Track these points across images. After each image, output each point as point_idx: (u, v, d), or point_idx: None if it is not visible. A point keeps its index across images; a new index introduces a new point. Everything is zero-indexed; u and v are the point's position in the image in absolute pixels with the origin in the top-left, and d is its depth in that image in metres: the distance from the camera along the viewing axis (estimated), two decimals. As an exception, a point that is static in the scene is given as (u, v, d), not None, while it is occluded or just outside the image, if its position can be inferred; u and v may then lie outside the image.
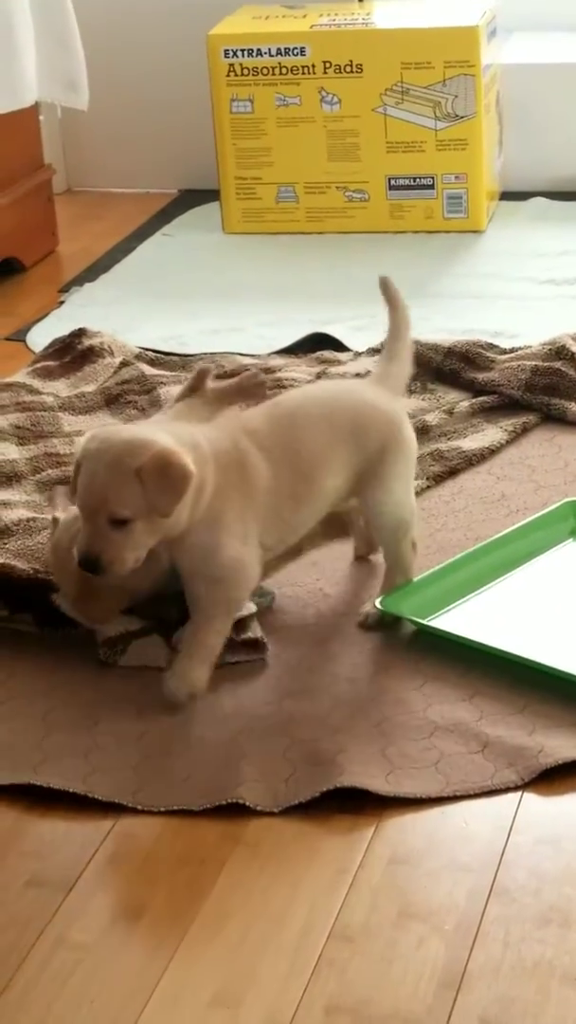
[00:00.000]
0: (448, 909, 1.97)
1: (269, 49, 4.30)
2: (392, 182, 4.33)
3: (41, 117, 4.76)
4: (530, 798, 2.16)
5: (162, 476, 2.26)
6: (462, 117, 4.25)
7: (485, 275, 4.04)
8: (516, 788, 2.17)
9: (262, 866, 2.06)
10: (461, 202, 4.31)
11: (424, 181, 4.32)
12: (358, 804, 2.15)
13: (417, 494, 2.92)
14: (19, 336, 3.82)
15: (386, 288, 2.73)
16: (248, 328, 3.77)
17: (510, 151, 4.58)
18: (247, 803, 2.16)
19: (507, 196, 4.55)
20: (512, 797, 2.16)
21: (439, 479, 3.00)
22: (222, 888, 2.02)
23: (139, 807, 2.18)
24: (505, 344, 3.48)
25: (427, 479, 2.98)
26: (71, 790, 2.20)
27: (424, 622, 2.50)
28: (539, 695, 2.35)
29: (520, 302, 3.85)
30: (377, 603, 2.53)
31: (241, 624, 2.49)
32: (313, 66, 4.29)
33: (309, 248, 4.31)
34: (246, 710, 2.36)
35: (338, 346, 3.59)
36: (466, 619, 2.54)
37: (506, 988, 1.84)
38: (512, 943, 1.91)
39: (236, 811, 2.15)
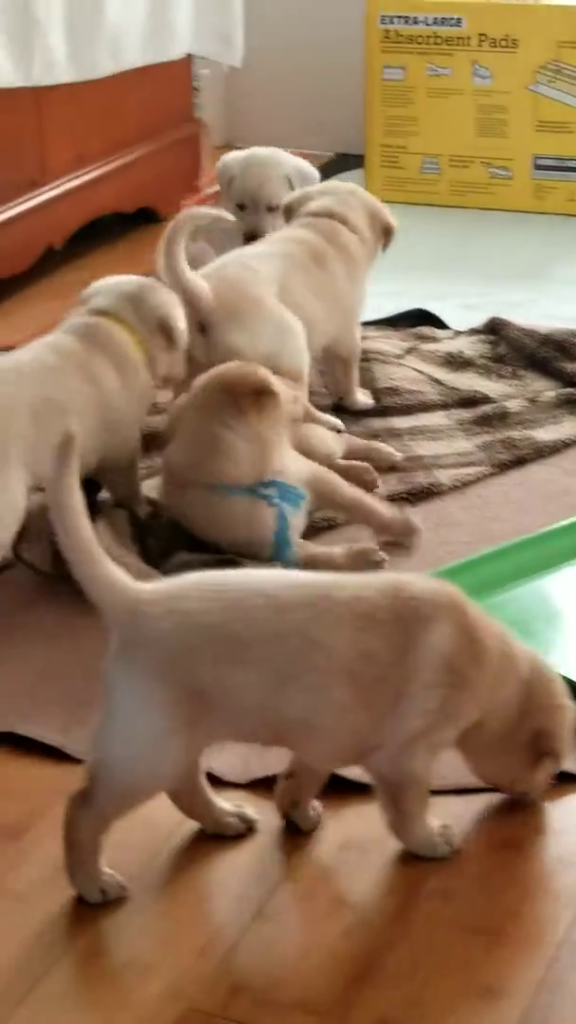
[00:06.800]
0: (384, 903, 1.94)
1: (426, 18, 4.25)
2: (538, 161, 4.25)
3: (206, 71, 4.79)
4: (499, 802, 2.11)
5: None
6: (616, 101, 4.16)
7: (616, 264, 3.95)
8: (491, 790, 2.12)
9: (211, 836, 2.05)
10: (607, 188, 4.22)
11: (571, 163, 4.23)
12: (325, 786, 2.12)
13: (479, 480, 2.90)
14: (138, 287, 3.83)
15: None
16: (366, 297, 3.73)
17: None
18: (215, 773, 2.14)
19: None
20: (484, 798, 2.11)
21: (504, 467, 2.94)
22: (168, 854, 2.01)
23: (110, 764, 2.18)
24: (612, 337, 3.39)
25: (492, 466, 2.93)
26: (47, 741, 2.21)
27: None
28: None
29: None
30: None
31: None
32: (468, 38, 4.23)
33: (446, 221, 4.26)
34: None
35: (441, 323, 3.54)
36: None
37: (417, 990, 1.80)
38: (437, 946, 1.87)
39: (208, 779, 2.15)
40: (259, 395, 2.53)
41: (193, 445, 2.54)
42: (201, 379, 2.59)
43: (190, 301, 2.72)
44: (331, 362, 3.04)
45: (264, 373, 2.58)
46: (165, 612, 1.86)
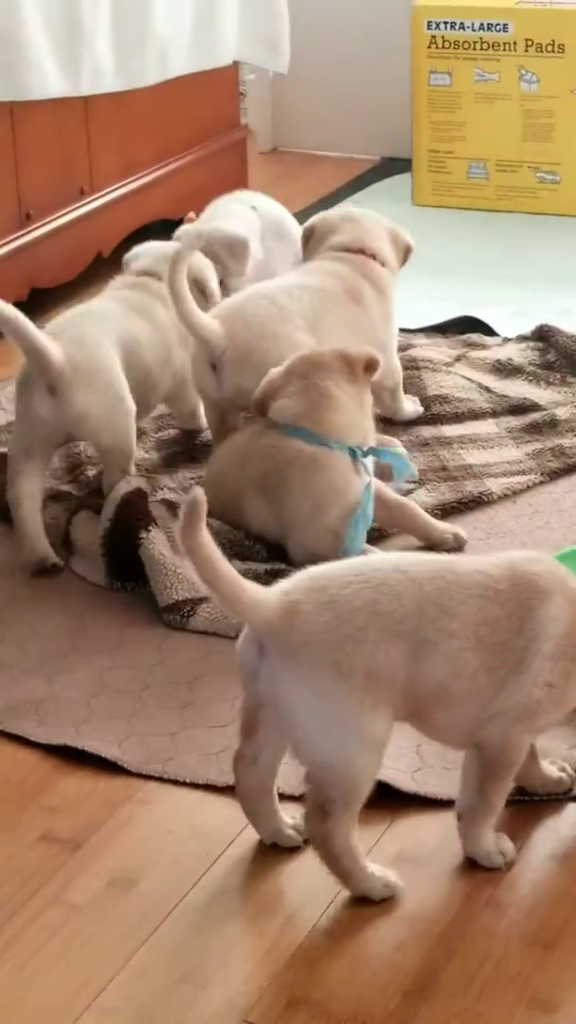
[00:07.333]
0: (439, 915, 1.94)
1: (472, 23, 4.24)
2: (585, 166, 4.25)
3: (251, 76, 4.79)
4: (553, 813, 2.11)
5: None
6: None
7: None
8: (544, 802, 2.13)
9: (267, 848, 2.06)
10: None
11: (619, 167, 4.22)
12: (379, 797, 2.12)
13: (529, 488, 2.90)
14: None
15: None
16: (411, 302, 3.73)
17: None
18: (270, 785, 2.15)
19: None
20: (538, 810, 2.12)
21: (555, 475, 2.94)
22: (223, 868, 2.03)
23: (165, 776, 2.20)
24: None
25: (542, 474, 2.93)
26: (103, 755, 2.23)
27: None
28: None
29: None
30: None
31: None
32: (515, 43, 4.22)
33: (494, 226, 4.26)
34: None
35: (490, 330, 3.54)
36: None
37: (472, 1003, 1.81)
38: (492, 958, 1.88)
39: (260, 791, 2.15)
40: (369, 369, 2.63)
41: (305, 396, 2.63)
42: (316, 349, 2.71)
43: (202, 342, 2.77)
44: (377, 391, 3.03)
45: (376, 353, 2.68)
46: (318, 606, 1.90)
